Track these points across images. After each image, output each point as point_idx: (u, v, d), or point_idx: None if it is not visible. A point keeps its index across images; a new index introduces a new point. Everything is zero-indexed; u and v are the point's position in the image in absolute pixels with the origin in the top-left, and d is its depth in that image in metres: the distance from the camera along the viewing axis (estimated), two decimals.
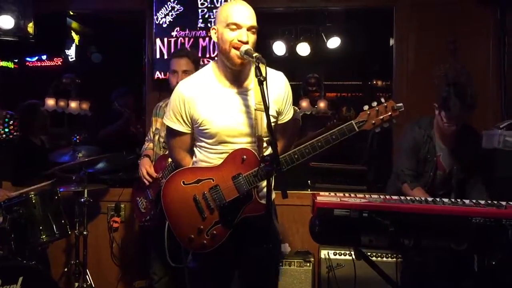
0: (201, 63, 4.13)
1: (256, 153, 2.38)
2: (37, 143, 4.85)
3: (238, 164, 2.37)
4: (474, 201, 2.65)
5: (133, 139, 5.05)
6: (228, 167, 2.39)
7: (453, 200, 2.66)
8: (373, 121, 2.41)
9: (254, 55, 2.21)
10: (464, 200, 2.65)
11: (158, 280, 3.65)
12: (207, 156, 2.45)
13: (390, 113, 2.41)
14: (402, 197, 2.73)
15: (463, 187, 3.39)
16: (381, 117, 2.41)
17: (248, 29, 2.31)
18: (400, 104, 2.42)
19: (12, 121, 5.85)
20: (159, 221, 3.33)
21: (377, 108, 2.41)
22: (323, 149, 2.37)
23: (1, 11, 3.99)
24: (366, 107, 2.42)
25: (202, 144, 2.46)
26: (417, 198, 2.69)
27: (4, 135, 5.55)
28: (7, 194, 3.63)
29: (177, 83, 3.35)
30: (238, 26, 2.29)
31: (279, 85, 2.46)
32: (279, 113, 2.49)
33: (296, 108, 3.20)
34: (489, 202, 2.62)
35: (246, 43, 2.28)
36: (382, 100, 2.43)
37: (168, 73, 3.59)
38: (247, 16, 2.31)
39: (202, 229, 2.38)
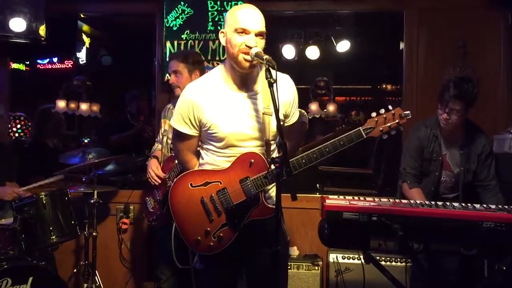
0: (210, 65, 4.17)
1: (264, 157, 2.38)
2: (51, 146, 4.92)
3: (245, 168, 2.37)
4: (484, 205, 2.63)
5: (145, 144, 5.08)
6: (235, 171, 2.39)
7: (463, 204, 2.65)
8: (381, 128, 2.42)
9: (264, 57, 2.21)
10: (474, 205, 2.63)
11: (165, 280, 3.66)
12: (214, 159, 2.46)
13: (397, 121, 2.42)
14: (412, 201, 2.72)
15: (471, 189, 3.36)
16: (389, 124, 2.42)
17: (256, 35, 2.31)
18: (408, 112, 2.43)
19: (22, 123, 5.94)
20: (165, 221, 3.35)
21: (384, 115, 2.42)
22: (331, 155, 2.38)
23: (13, 14, 4.03)
24: (374, 114, 2.43)
25: (210, 147, 2.46)
26: (427, 202, 2.68)
27: (14, 136, 5.63)
28: (15, 191, 3.67)
29: (170, 83, 3.44)
30: (246, 32, 2.29)
31: (286, 88, 2.46)
32: (286, 116, 2.50)
33: (303, 111, 3.20)
34: (500, 206, 2.61)
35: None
36: (390, 107, 2.44)
37: None
38: (256, 22, 2.31)
39: (209, 231, 2.39)
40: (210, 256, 2.42)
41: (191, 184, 2.42)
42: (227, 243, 2.39)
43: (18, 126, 5.84)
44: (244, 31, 2.29)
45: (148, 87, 5.50)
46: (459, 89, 3.15)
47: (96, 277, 3.91)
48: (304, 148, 4.12)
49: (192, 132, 2.46)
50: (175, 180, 2.50)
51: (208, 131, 2.41)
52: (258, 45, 2.30)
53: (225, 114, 2.38)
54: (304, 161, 2.36)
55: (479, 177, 3.34)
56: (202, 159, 2.52)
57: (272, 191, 2.44)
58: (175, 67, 3.42)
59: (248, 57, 2.27)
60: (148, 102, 5.45)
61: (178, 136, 2.53)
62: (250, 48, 2.27)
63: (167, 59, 4.30)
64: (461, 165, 3.34)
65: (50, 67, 7.37)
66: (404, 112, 2.42)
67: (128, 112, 5.39)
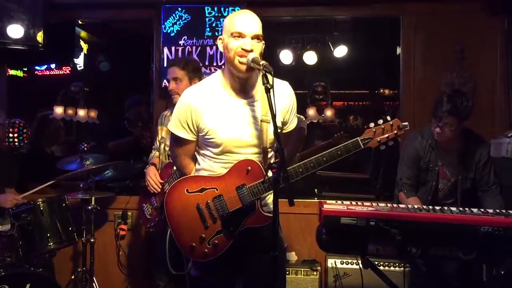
0: (208, 71, 4.18)
1: (261, 164, 2.38)
2: (48, 152, 4.92)
3: (242, 175, 2.37)
4: (482, 210, 2.63)
5: (143, 150, 5.08)
6: (232, 177, 2.38)
7: (461, 208, 2.65)
8: (379, 139, 2.41)
9: (261, 63, 2.21)
10: (472, 209, 2.63)
11: (164, 287, 3.65)
12: (211, 165, 2.45)
13: (395, 132, 2.42)
14: (410, 206, 2.72)
15: (469, 197, 3.35)
16: (387, 135, 2.42)
17: (253, 38, 2.31)
18: (406, 123, 2.43)
19: (20, 129, 5.93)
20: (163, 228, 3.34)
21: (382, 126, 2.42)
22: (328, 164, 2.38)
23: (11, 20, 4.04)
24: (372, 125, 2.43)
25: (207, 152, 2.46)
26: (424, 207, 2.68)
27: (13, 142, 5.63)
28: (15, 198, 3.67)
29: (170, 90, 3.42)
30: (242, 35, 2.30)
31: (284, 95, 2.46)
32: (284, 123, 2.50)
33: (302, 116, 3.19)
34: (497, 211, 2.61)
35: (250, 51, 2.29)
36: (388, 118, 2.44)
37: None
38: (251, 25, 2.32)
39: (204, 238, 2.38)
40: (205, 263, 2.41)
41: (187, 190, 2.41)
42: (222, 250, 2.38)
43: (16, 132, 5.83)
44: (239, 35, 2.30)
45: (146, 93, 5.50)
46: (452, 104, 3.13)
47: (94, 284, 3.90)
48: (302, 155, 4.13)
49: (190, 137, 2.45)
50: (171, 185, 2.49)
51: (205, 137, 2.41)
52: (255, 48, 2.30)
53: (223, 120, 2.38)
54: (301, 170, 2.35)
55: (480, 184, 3.34)
56: (199, 164, 2.51)
57: (269, 198, 2.44)
58: (175, 74, 3.42)
59: (244, 60, 2.28)
60: (147, 108, 5.45)
61: (176, 141, 2.53)
62: (246, 51, 2.28)
63: (165, 65, 4.31)
64: (458, 174, 3.33)
65: (48, 73, 7.37)
66: (402, 124, 2.42)
67: (127, 118, 5.39)
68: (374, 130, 2.41)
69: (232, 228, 2.37)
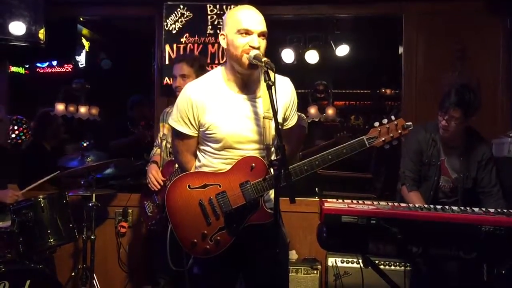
0: (209, 69, 4.17)
1: (265, 162, 2.37)
2: (48, 149, 4.92)
3: (246, 172, 2.36)
4: (483, 209, 2.63)
5: (144, 148, 5.07)
6: (236, 174, 2.37)
7: (462, 208, 2.64)
8: (383, 138, 2.43)
9: (263, 60, 2.21)
10: (473, 208, 2.63)
11: (164, 285, 3.65)
12: (211, 161, 2.44)
13: (400, 131, 2.43)
14: (411, 205, 2.72)
15: (470, 195, 3.35)
16: (391, 134, 2.43)
17: (259, 35, 2.31)
18: (410, 123, 2.45)
19: (21, 126, 5.94)
20: (165, 225, 3.34)
21: (387, 126, 2.43)
22: (333, 162, 2.39)
23: (13, 17, 4.04)
24: (376, 124, 2.44)
25: (207, 148, 2.45)
26: (425, 206, 2.68)
27: (13, 139, 5.63)
28: (15, 194, 3.67)
29: (176, 87, 3.40)
30: (249, 32, 2.30)
31: (285, 91, 2.46)
32: (285, 119, 2.49)
33: (303, 115, 3.19)
34: (499, 210, 2.61)
35: (258, 48, 2.29)
36: (393, 117, 2.46)
37: None
38: (258, 22, 2.31)
39: (206, 234, 2.36)
40: (207, 260, 2.40)
41: (189, 186, 2.40)
42: (224, 247, 2.37)
43: (17, 129, 5.84)
44: (247, 32, 2.29)
45: (148, 91, 5.50)
46: (459, 97, 3.14)
47: (94, 281, 3.90)
48: (304, 154, 4.12)
49: (191, 132, 2.44)
50: (172, 181, 2.48)
51: (206, 132, 2.40)
52: (261, 45, 2.30)
53: (224, 115, 2.37)
54: (306, 167, 2.35)
55: (481, 184, 3.33)
56: (199, 161, 2.50)
57: (272, 195, 2.43)
58: (183, 71, 3.40)
59: (247, 56, 2.28)
60: (150, 107, 5.45)
61: (177, 136, 2.51)
62: (254, 48, 2.28)
63: (167, 63, 4.30)
64: (460, 172, 3.33)
65: (49, 70, 7.37)
66: (407, 123, 2.43)
67: (129, 117, 5.39)
68: (379, 129, 2.43)
69: (235, 225, 2.36)
